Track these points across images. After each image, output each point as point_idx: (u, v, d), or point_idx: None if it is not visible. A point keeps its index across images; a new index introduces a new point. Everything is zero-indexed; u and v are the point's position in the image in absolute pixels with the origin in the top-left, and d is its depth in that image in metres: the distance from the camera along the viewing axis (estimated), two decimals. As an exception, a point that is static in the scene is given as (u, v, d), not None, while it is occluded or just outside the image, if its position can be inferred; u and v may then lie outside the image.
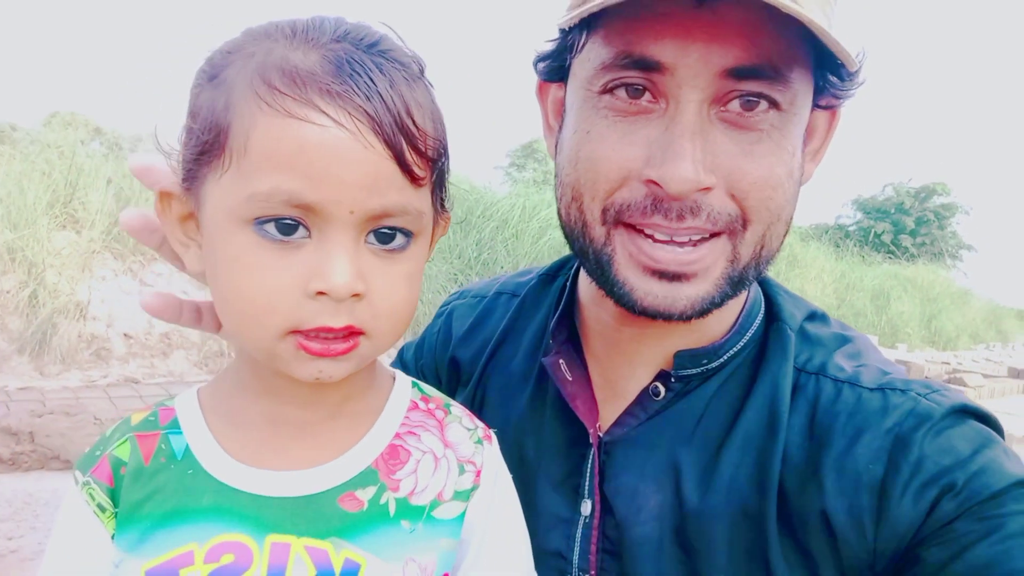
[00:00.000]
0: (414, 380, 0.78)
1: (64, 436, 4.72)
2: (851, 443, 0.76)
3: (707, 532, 0.79)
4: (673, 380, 0.84)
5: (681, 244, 0.75)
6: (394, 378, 0.76)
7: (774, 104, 0.72)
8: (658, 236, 0.75)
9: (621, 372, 0.89)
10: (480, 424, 0.76)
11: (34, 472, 4.42)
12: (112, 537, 0.64)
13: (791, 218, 0.79)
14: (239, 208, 0.58)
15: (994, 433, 0.76)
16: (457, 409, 0.76)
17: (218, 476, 0.65)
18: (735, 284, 0.78)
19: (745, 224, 0.75)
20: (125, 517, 0.64)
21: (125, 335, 7.51)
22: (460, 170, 9.38)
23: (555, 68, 0.84)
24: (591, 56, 0.75)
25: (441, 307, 1.16)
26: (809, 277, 13.77)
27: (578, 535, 0.84)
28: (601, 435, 0.86)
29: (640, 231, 0.76)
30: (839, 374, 0.82)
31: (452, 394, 0.97)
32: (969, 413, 0.77)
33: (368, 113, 0.58)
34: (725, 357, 0.85)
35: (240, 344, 0.66)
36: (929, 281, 17.66)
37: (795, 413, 0.80)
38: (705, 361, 0.84)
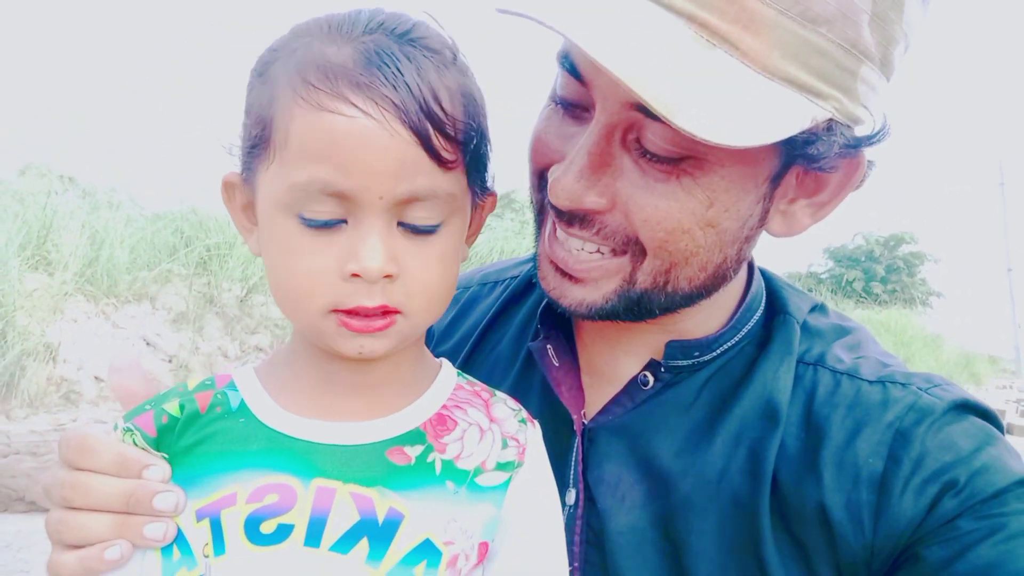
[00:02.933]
0: (459, 370, 0.80)
1: (29, 477, 4.58)
2: (851, 437, 0.76)
3: (694, 523, 0.77)
4: (663, 370, 0.84)
5: (578, 251, 0.77)
6: (441, 364, 0.78)
7: (690, 156, 0.71)
8: (559, 233, 0.78)
9: (609, 360, 0.89)
10: (523, 409, 0.78)
11: (-3, 514, 4.26)
12: None
13: (717, 265, 0.77)
14: (283, 197, 0.62)
15: (995, 430, 0.76)
16: (501, 394, 0.78)
17: (270, 424, 0.66)
18: (632, 304, 0.78)
19: (643, 252, 0.75)
20: (177, 460, 0.65)
21: (96, 378, 7.36)
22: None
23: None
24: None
25: None
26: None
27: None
28: (586, 422, 0.85)
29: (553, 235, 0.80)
30: (838, 365, 0.82)
31: None
32: (970, 409, 0.76)
33: (393, 101, 0.60)
34: (718, 351, 0.85)
35: (293, 321, 0.69)
36: (901, 326, 17.90)
37: (792, 403, 0.80)
38: (696, 354, 0.84)
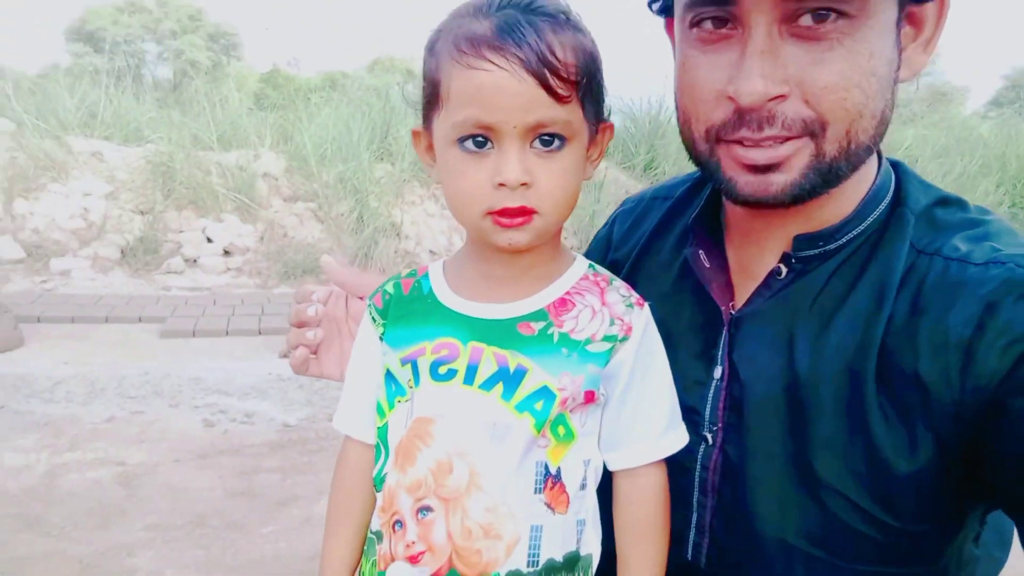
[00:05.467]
0: (591, 262, 1.02)
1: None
2: (946, 310, 0.82)
3: (814, 392, 0.89)
4: (793, 261, 0.94)
5: (767, 147, 0.86)
6: (575, 259, 1.01)
7: (842, 14, 0.80)
8: (746, 145, 0.87)
9: (754, 258, 1.00)
10: (635, 295, 0.96)
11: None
12: (381, 337, 1.00)
13: (882, 112, 0.86)
14: (449, 134, 0.89)
15: None
16: (618, 282, 0.98)
17: (446, 303, 0.97)
18: (824, 175, 0.87)
19: (824, 126, 0.84)
20: (390, 326, 1.00)
21: (431, 251, 8.68)
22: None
23: (664, 5, 0.99)
24: None
25: (610, 216, 1.33)
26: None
27: (710, 395, 0.98)
28: (733, 312, 0.99)
29: (733, 143, 0.89)
30: (952, 253, 0.86)
31: None
32: None
33: (519, 57, 0.85)
34: (843, 240, 0.92)
35: (463, 225, 0.96)
36: None
37: (904, 288, 0.87)
38: (821, 243, 0.93)
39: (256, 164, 8.75)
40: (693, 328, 1.03)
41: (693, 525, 0.99)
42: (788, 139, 0.85)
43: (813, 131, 0.85)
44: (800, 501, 0.90)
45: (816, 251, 0.94)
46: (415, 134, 0.99)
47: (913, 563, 0.88)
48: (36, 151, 8.13)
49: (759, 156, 0.87)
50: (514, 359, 0.90)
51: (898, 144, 9.97)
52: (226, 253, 7.94)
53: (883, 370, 0.86)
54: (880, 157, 0.98)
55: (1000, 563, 0.97)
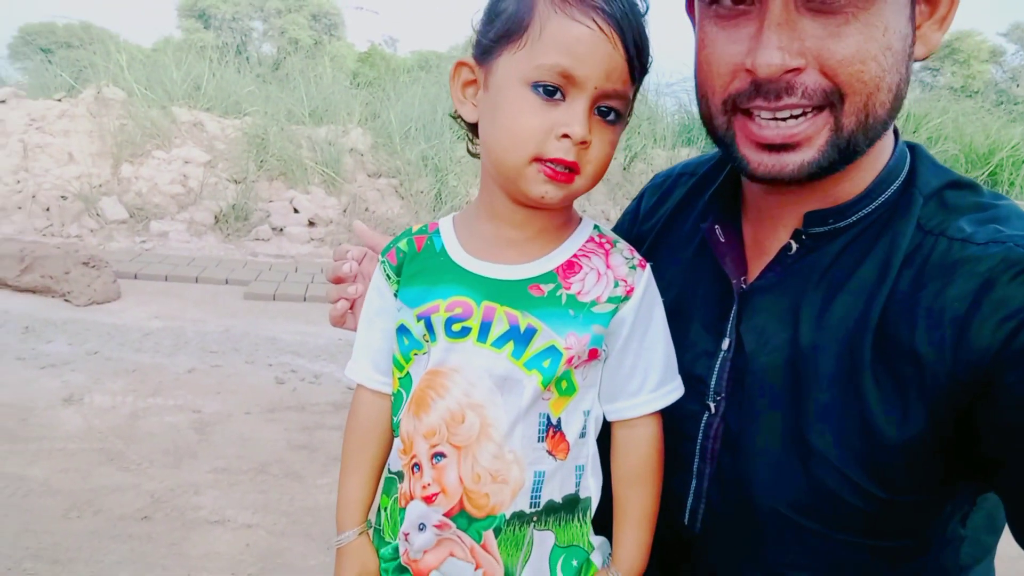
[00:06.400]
0: (596, 224, 1.05)
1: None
2: (944, 286, 0.83)
3: (813, 364, 0.91)
4: (804, 237, 0.95)
5: (784, 120, 0.87)
6: (582, 222, 1.04)
7: None
8: (763, 116, 0.88)
9: (769, 234, 1.01)
10: (638, 256, 1.00)
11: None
12: (395, 294, 1.04)
13: (897, 86, 0.87)
14: (527, 74, 0.90)
15: None
16: (622, 244, 1.01)
17: (459, 262, 1.00)
18: (843, 151, 0.87)
19: (842, 98, 0.85)
20: (404, 283, 1.03)
21: (506, 232, 8.75)
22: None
23: None
24: None
25: (640, 191, 1.34)
26: None
27: (716, 365, 1.00)
28: (744, 286, 1.01)
29: (750, 115, 0.90)
30: (956, 234, 0.86)
31: None
32: None
33: (621, 26, 0.88)
34: (854, 218, 0.93)
35: (500, 169, 0.96)
36: None
37: (908, 266, 0.87)
38: (831, 220, 0.93)
39: (344, 139, 9.03)
40: (707, 301, 1.05)
41: (692, 491, 1.02)
42: (805, 113, 0.87)
43: (832, 101, 0.86)
44: (792, 471, 0.91)
45: (827, 228, 0.95)
46: (461, 65, 0.99)
47: (898, 536, 0.90)
48: (143, 119, 8.64)
49: (772, 134, 0.88)
50: (525, 319, 0.94)
51: (1005, 142, 9.39)
52: (310, 224, 8.25)
53: (881, 342, 0.87)
54: (897, 138, 0.98)
55: (987, 547, 0.96)
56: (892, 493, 0.86)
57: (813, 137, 0.87)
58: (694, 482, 1.02)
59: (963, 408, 0.81)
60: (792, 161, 0.88)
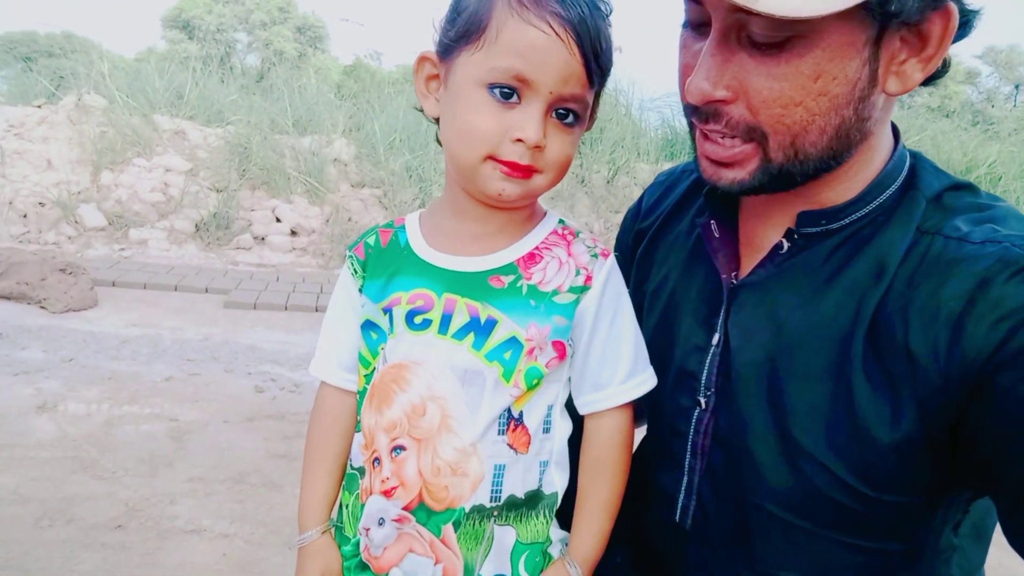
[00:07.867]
0: (560, 217, 1.05)
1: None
2: (940, 285, 0.82)
3: (799, 360, 0.90)
4: (796, 236, 0.95)
5: (719, 141, 0.89)
6: (546, 216, 1.05)
7: (794, 32, 0.80)
8: (706, 136, 0.91)
9: (761, 232, 1.02)
10: (600, 245, 1.01)
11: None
12: (360, 289, 1.04)
13: (837, 127, 0.85)
14: (484, 75, 0.90)
15: None
16: (585, 235, 1.03)
17: (421, 256, 1.00)
18: (775, 177, 0.89)
19: (765, 136, 0.86)
20: (369, 278, 1.03)
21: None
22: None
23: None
24: None
25: (644, 189, 1.35)
26: None
27: (707, 361, 1.01)
28: (734, 282, 1.01)
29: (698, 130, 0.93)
30: (953, 233, 0.86)
31: (634, 260, 1.20)
32: None
33: (577, 31, 0.88)
34: (846, 220, 0.93)
35: (457, 167, 0.97)
36: None
37: (904, 265, 0.87)
38: (824, 221, 0.93)
39: (328, 150, 9.00)
40: (701, 296, 1.06)
41: (683, 488, 1.01)
42: (736, 138, 0.88)
43: (755, 137, 0.87)
44: (779, 468, 0.91)
45: (819, 228, 0.95)
46: (423, 59, 0.99)
47: (890, 538, 0.89)
48: (124, 127, 8.56)
49: (712, 151, 0.91)
50: (485, 311, 0.94)
51: (982, 160, 9.53)
52: (293, 233, 8.20)
53: (874, 340, 0.87)
54: (897, 143, 0.98)
55: (972, 558, 0.96)
56: (880, 491, 0.85)
57: (743, 162, 0.89)
58: (685, 479, 1.01)
59: (956, 408, 0.80)
60: (726, 176, 0.91)
